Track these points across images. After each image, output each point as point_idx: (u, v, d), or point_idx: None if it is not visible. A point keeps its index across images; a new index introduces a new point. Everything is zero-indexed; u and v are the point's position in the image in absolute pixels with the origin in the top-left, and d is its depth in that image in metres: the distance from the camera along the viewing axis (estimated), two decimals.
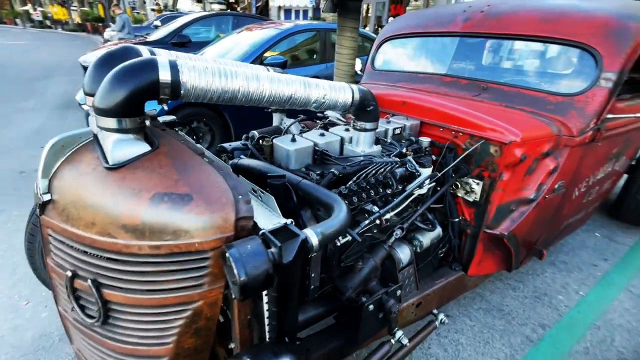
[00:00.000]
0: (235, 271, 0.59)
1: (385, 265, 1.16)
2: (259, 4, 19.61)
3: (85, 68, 4.57)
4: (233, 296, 0.68)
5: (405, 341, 1.10)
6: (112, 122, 0.72)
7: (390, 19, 13.53)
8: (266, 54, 3.50)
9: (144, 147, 0.76)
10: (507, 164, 1.25)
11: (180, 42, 5.34)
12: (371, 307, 1.02)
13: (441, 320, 1.24)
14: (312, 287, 0.97)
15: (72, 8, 26.10)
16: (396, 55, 2.05)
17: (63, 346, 1.46)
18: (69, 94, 5.37)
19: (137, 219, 0.67)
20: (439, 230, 1.38)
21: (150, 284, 0.70)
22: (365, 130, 1.20)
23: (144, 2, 26.86)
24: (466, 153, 1.31)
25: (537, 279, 1.97)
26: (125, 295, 0.70)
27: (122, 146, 0.74)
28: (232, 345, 0.87)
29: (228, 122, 3.48)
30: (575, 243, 2.32)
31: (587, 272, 2.04)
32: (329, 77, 3.67)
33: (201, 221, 0.68)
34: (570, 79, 1.40)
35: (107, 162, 0.74)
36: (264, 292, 0.78)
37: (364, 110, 1.16)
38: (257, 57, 3.46)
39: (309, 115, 1.54)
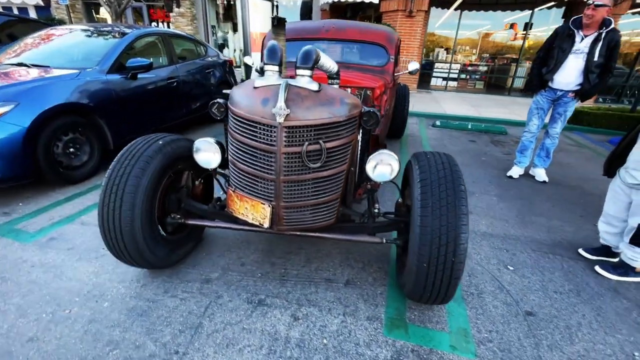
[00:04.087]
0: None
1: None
2: None
3: None
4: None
5: None
6: (308, 72, 1.54)
7: (154, 24, 13.34)
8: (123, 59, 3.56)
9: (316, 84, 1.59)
10: (375, 97, 2.75)
11: None
12: None
13: None
14: None
15: None
16: (295, 51, 3.17)
17: None
18: None
19: (338, 110, 1.55)
20: None
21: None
22: None
23: None
24: (362, 95, 2.71)
25: None
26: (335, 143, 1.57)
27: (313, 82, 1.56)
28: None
29: (105, 130, 3.35)
30: None
31: None
32: (184, 78, 4.18)
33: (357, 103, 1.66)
34: (380, 59, 3.08)
35: (311, 90, 1.52)
36: None
37: None
38: (115, 61, 3.48)
39: None
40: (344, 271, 2.08)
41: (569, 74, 3.21)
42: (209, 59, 5.25)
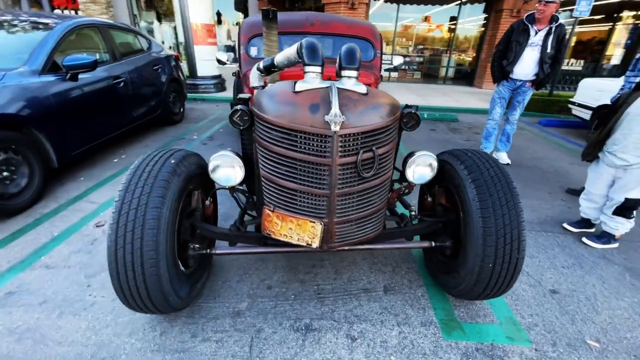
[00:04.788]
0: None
1: None
2: None
3: None
4: None
5: None
6: (355, 73, 1.38)
7: (57, 11, 11.29)
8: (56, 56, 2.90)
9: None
10: None
11: None
12: None
13: None
14: None
15: None
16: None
17: None
18: None
19: (386, 113, 1.43)
20: None
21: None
22: None
23: None
24: None
25: None
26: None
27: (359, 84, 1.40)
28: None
29: (45, 145, 2.72)
30: None
31: None
32: (132, 76, 3.62)
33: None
34: (368, 54, 3.01)
35: (360, 93, 1.36)
36: None
37: None
38: (48, 58, 2.82)
39: None
40: (377, 278, 2.01)
41: (526, 65, 3.54)
42: (154, 54, 4.61)
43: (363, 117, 1.36)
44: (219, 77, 7.59)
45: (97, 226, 2.42)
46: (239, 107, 1.52)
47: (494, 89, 3.95)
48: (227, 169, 1.56)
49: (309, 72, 1.38)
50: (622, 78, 4.83)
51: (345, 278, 1.99)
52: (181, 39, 7.11)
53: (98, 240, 2.25)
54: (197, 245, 1.62)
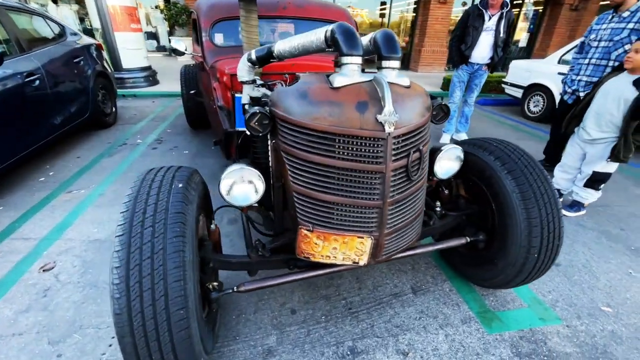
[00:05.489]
0: None
1: None
2: None
3: None
4: None
5: None
6: (397, 63, 1.19)
7: None
8: None
9: None
10: None
11: None
12: None
13: None
14: None
15: None
16: (235, 33, 2.48)
17: None
18: None
19: (427, 107, 1.28)
20: None
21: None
22: None
23: None
24: None
25: None
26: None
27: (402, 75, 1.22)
28: None
29: None
30: None
31: None
32: (50, 72, 2.92)
33: None
34: None
35: (404, 86, 1.20)
36: None
37: None
38: None
39: None
40: (401, 279, 1.91)
41: (483, 49, 3.72)
42: (70, 42, 3.76)
43: (411, 114, 1.21)
44: (148, 68, 6.64)
45: (44, 270, 1.88)
46: (256, 109, 1.23)
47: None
48: (245, 186, 1.28)
49: (348, 63, 1.16)
50: (548, 59, 5.46)
51: (369, 286, 1.85)
52: (95, 24, 5.99)
53: (52, 290, 1.74)
54: (215, 284, 1.32)
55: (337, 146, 1.13)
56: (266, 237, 1.54)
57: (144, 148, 3.70)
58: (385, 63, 1.21)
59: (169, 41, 11.66)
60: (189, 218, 1.08)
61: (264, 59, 1.63)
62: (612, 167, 2.37)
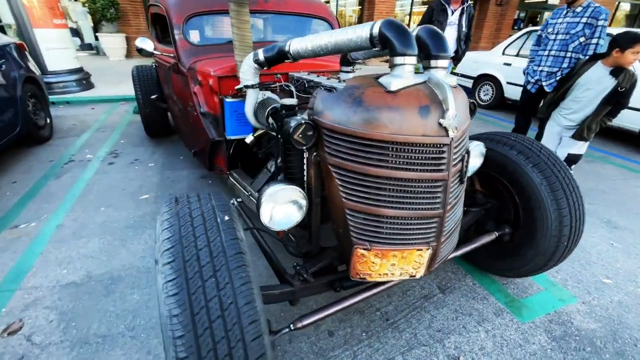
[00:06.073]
0: None
1: None
2: None
3: None
4: None
5: None
6: (446, 63, 1.11)
7: None
8: None
9: None
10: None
11: None
12: None
13: None
14: None
15: None
16: (211, 30, 2.19)
17: None
18: None
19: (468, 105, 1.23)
20: None
21: None
22: None
23: None
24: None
25: None
26: None
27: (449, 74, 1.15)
28: None
29: None
30: None
31: None
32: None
33: None
34: None
35: (453, 86, 1.13)
36: None
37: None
38: None
39: None
40: (425, 279, 1.89)
41: (448, 43, 3.86)
42: None
43: (463, 115, 1.17)
44: (80, 70, 5.78)
45: (8, 334, 1.49)
46: (300, 119, 1.07)
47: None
48: (286, 207, 1.13)
49: (403, 64, 1.05)
50: (494, 51, 5.90)
51: (397, 292, 1.79)
52: (7, 19, 5.02)
53: (29, 358, 1.39)
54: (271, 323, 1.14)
55: (397, 155, 1.03)
56: (295, 258, 1.39)
57: (98, 164, 3.19)
58: (434, 62, 1.13)
59: (96, 38, 10.35)
60: (247, 257, 0.90)
61: (275, 60, 1.45)
62: (583, 149, 2.61)
